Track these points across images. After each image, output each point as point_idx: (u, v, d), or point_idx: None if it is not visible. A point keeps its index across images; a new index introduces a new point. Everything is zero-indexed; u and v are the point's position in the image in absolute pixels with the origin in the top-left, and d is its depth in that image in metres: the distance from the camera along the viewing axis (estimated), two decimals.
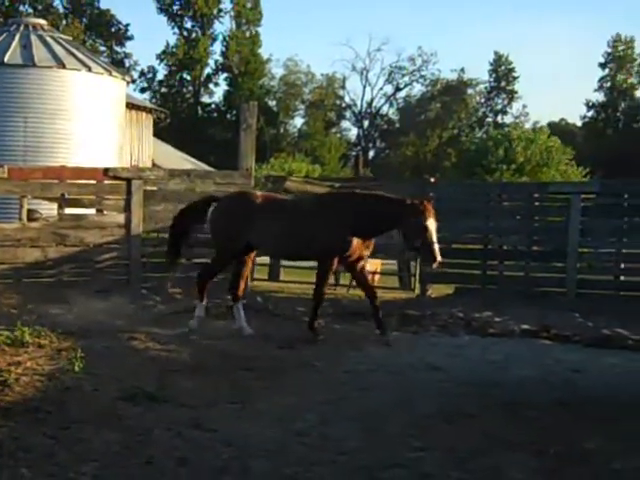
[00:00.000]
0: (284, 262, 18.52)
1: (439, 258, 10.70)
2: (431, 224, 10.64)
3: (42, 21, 24.82)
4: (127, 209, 15.19)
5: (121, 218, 15.29)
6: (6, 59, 20.78)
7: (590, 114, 76.06)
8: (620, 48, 74.42)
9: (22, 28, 22.56)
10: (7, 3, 66.57)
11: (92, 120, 21.48)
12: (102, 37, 72.34)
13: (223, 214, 12.18)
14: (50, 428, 6.61)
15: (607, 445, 6.68)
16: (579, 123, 77.29)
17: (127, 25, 72.73)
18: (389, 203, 11.18)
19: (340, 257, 11.48)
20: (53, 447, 6.15)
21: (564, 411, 7.82)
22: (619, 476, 5.97)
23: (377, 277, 18.16)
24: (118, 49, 73.77)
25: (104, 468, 5.67)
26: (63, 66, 21.21)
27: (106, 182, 15.44)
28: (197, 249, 16.28)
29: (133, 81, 64.88)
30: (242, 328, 11.75)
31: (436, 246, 10.67)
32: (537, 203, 16.12)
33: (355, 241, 11.22)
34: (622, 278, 14.98)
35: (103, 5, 71.57)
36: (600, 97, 75.26)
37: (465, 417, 7.52)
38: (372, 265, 17.92)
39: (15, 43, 21.46)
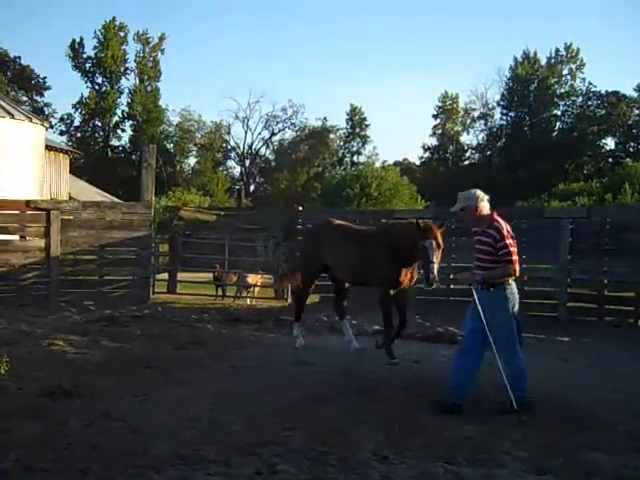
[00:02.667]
0: (179, 277, 18.35)
1: (431, 276, 8.95)
2: (429, 245, 9.07)
3: None
4: (47, 235, 14.86)
5: (42, 243, 14.93)
6: None
7: (426, 155, 78.04)
8: (448, 103, 76.66)
9: None
10: None
11: (15, 160, 20.84)
12: (24, 89, 70.15)
13: (305, 239, 11.57)
14: None
15: (439, 419, 6.91)
16: (418, 162, 79.07)
17: (44, 78, 70.90)
18: (413, 228, 9.41)
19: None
20: None
21: (406, 393, 8.03)
22: (450, 444, 6.15)
23: (257, 289, 18.21)
24: (38, 99, 71.75)
25: (27, 454, 5.54)
26: None
27: (28, 212, 15.08)
28: (107, 267, 16.09)
29: (52, 126, 63.05)
30: (351, 341, 10.89)
31: (432, 266, 8.95)
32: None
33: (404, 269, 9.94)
34: (452, 286, 15.34)
35: (24, 62, 69.67)
36: (434, 141, 77.35)
37: (326, 401, 7.63)
38: (253, 279, 18.00)
39: None
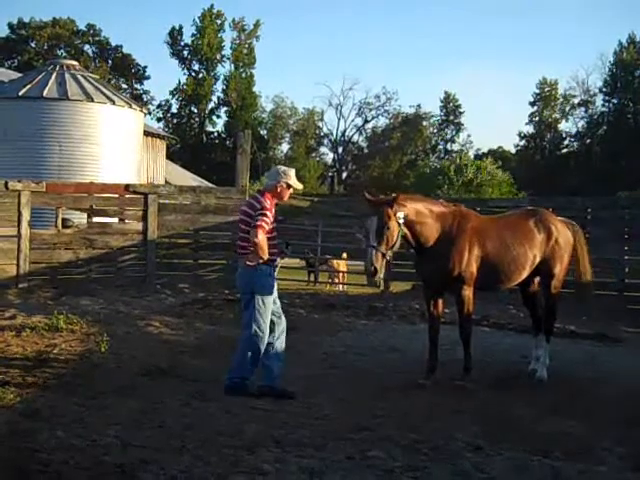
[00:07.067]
0: None
1: (367, 265, 7.64)
2: (369, 225, 7.57)
3: (75, 62, 24.63)
4: (144, 218, 15.19)
5: (139, 226, 15.28)
6: (45, 93, 20.68)
7: (522, 143, 76.15)
8: (546, 89, 74.65)
9: (58, 68, 22.39)
10: (46, 47, 66.46)
11: (115, 145, 21.39)
12: (124, 76, 72.19)
13: None
14: (80, 398, 6.64)
15: (531, 412, 6.79)
16: (513, 150, 77.18)
17: (145, 67, 72.90)
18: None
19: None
20: (82, 414, 6.18)
21: (499, 385, 7.91)
22: (546, 438, 6.03)
23: (341, 275, 18.37)
24: (137, 86, 73.76)
25: (124, 430, 5.69)
26: (92, 100, 21.11)
27: (127, 196, 15.46)
28: (202, 251, 16.38)
29: (149, 113, 64.71)
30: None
31: (371, 251, 7.46)
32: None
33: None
34: None
35: (125, 50, 71.72)
36: (530, 129, 75.29)
37: (418, 389, 7.60)
38: (337, 265, 18.25)
39: (52, 80, 21.35)
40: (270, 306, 7.16)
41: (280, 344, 7.28)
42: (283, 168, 7.39)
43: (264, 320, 7.10)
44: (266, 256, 6.94)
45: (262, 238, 6.85)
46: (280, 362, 7.25)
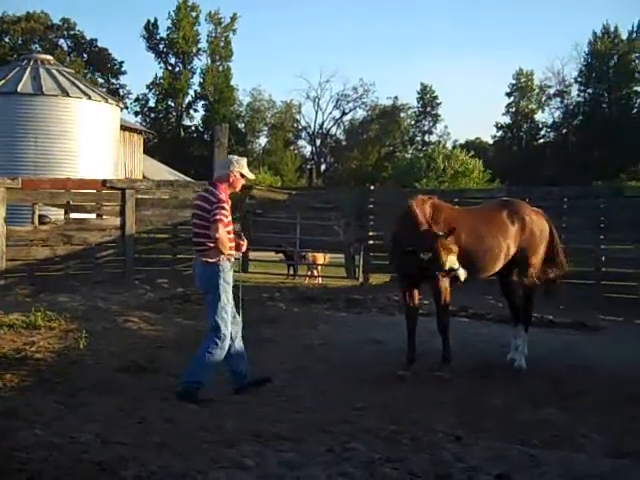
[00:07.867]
0: (251, 256, 18.47)
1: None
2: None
3: (49, 57, 24.44)
4: (122, 214, 15.11)
5: (117, 221, 15.20)
6: (19, 89, 20.53)
7: (499, 134, 76.45)
8: (522, 80, 74.93)
9: (32, 63, 22.23)
10: (20, 42, 65.77)
11: (92, 140, 21.27)
12: (100, 71, 71.58)
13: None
14: (59, 396, 6.61)
15: (509, 401, 6.83)
16: (490, 141, 77.50)
17: (121, 62, 72.22)
18: None
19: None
20: (61, 411, 6.15)
21: (478, 375, 7.95)
22: (525, 427, 6.07)
23: (320, 267, 18.40)
24: (114, 81, 73.13)
25: (104, 427, 5.66)
26: (67, 95, 20.97)
27: (104, 191, 15.36)
28: (180, 246, 16.32)
29: (126, 107, 64.25)
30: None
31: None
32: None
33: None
34: None
35: (101, 44, 71.00)
36: (507, 120, 75.61)
37: (397, 381, 7.61)
38: (316, 258, 18.30)
39: (26, 75, 21.19)
40: (232, 301, 7.01)
41: (239, 344, 7.12)
42: (236, 157, 7.22)
43: (228, 318, 6.94)
44: (227, 251, 6.77)
45: (222, 232, 6.65)
46: (244, 360, 7.12)
